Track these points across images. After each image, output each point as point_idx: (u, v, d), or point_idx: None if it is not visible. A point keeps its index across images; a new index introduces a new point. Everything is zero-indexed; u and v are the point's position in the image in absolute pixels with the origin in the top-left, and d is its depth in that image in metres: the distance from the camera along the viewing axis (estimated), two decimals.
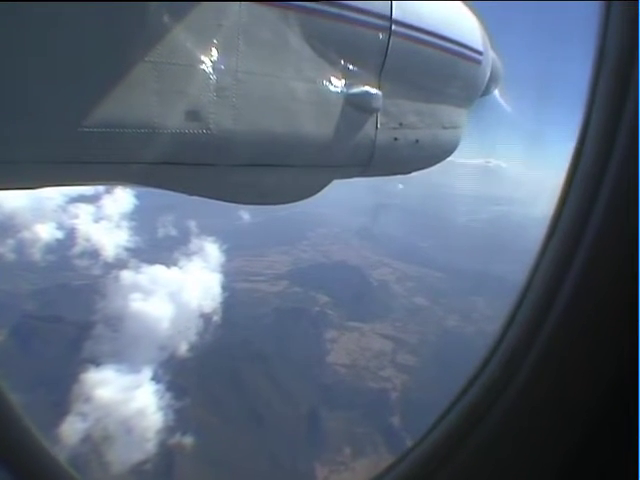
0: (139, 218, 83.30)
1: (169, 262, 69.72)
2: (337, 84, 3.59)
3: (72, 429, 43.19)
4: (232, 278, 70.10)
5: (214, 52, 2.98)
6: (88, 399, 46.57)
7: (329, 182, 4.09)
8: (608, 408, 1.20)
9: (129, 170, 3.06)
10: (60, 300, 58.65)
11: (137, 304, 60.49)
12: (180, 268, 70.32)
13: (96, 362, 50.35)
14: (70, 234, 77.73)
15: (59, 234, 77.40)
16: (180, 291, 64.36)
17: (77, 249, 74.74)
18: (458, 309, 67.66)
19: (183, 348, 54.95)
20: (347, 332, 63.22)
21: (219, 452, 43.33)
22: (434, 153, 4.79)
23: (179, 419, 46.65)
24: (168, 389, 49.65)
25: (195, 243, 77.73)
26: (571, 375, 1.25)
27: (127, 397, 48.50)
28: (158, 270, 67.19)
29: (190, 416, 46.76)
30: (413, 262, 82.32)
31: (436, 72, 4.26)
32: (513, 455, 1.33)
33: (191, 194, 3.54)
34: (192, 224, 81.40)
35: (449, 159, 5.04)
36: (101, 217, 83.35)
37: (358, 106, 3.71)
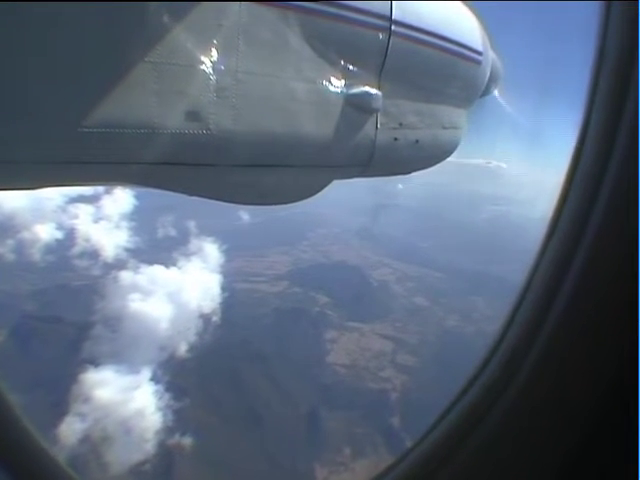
0: (139, 218, 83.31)
1: (168, 262, 69.76)
2: (337, 84, 3.59)
3: (71, 429, 43.17)
4: (232, 278, 70.07)
5: (214, 52, 2.98)
6: (87, 399, 46.54)
7: (329, 182, 4.09)
8: (608, 408, 1.20)
9: (129, 170, 3.06)
10: (60, 300, 58.63)
11: (136, 304, 60.51)
12: (179, 268, 70.38)
13: (95, 363, 50.31)
14: (70, 234, 77.74)
15: (59, 234, 77.47)
16: (179, 291, 64.38)
17: (77, 249, 74.79)
18: (458, 309, 67.66)
19: (182, 349, 54.96)
20: (347, 332, 63.19)
21: (218, 452, 43.29)
22: (434, 153, 4.79)
23: (178, 419, 46.62)
24: (167, 389, 49.62)
25: (194, 243, 77.80)
26: (571, 375, 1.25)
27: (126, 398, 48.45)
28: (157, 270, 67.24)
29: (189, 417, 46.74)
30: (413, 262, 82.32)
31: (436, 72, 4.26)
32: (513, 455, 1.33)
33: (191, 194, 3.53)
34: (191, 224, 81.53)
35: (449, 159, 5.04)
36: (101, 217, 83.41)
37: (358, 106, 3.71)
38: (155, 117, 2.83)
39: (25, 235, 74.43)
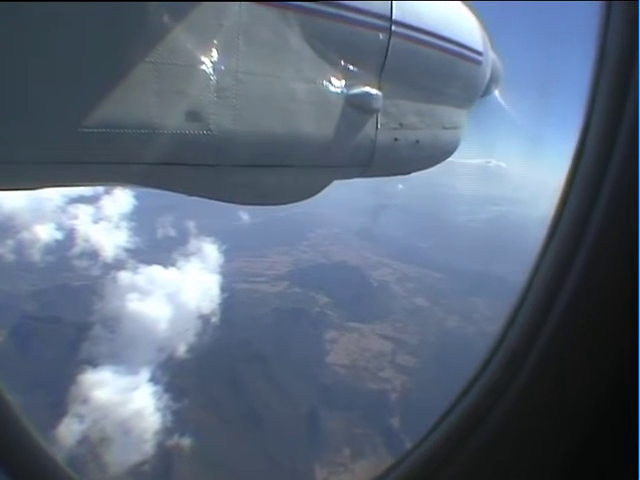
0: (138, 219, 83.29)
1: (168, 263, 69.74)
2: (337, 84, 3.59)
3: (70, 430, 43.14)
4: (232, 279, 70.07)
5: (214, 52, 2.98)
6: (86, 400, 46.51)
7: (329, 182, 4.09)
8: (608, 409, 1.20)
9: (129, 170, 3.06)
10: (59, 301, 58.62)
11: (135, 305, 60.47)
12: (178, 269, 70.33)
13: (94, 363, 50.27)
14: (69, 235, 77.70)
15: (58, 235, 77.41)
16: (178, 292, 64.34)
17: (76, 250, 74.75)
18: (458, 310, 67.65)
19: (182, 349, 54.93)
20: (347, 333, 63.19)
21: (218, 453, 43.28)
22: (434, 153, 4.80)
23: (177, 420, 46.59)
24: (166, 390, 49.58)
25: (193, 244, 77.77)
26: (571, 376, 1.25)
27: (125, 398, 48.42)
28: (156, 271, 67.21)
29: (189, 417, 46.72)
30: (413, 263, 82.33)
31: (436, 72, 4.26)
32: (513, 456, 1.33)
33: (191, 194, 3.53)
34: (191, 225, 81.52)
35: (449, 159, 5.04)
36: (100, 218, 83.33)
37: (358, 106, 3.71)
38: (155, 117, 2.83)
39: (25, 235, 74.49)
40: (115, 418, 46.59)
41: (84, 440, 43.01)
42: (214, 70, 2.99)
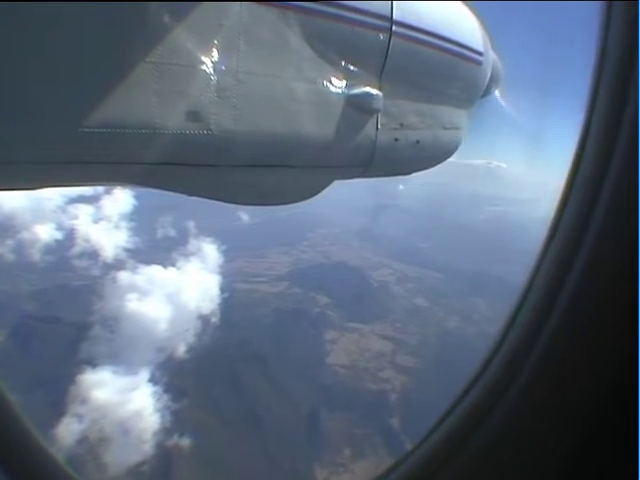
0: (138, 219, 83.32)
1: (167, 263, 69.73)
2: (338, 85, 3.59)
3: (69, 430, 43.11)
4: (232, 279, 70.06)
5: (215, 52, 2.98)
6: (85, 400, 46.47)
7: (330, 183, 4.09)
8: (609, 410, 1.20)
9: (130, 170, 3.06)
10: (59, 301, 58.63)
11: (135, 305, 60.45)
12: (178, 269, 70.31)
13: (93, 363, 50.22)
14: (69, 235, 77.70)
15: (58, 235, 77.42)
16: (178, 292, 64.30)
17: (76, 250, 74.75)
18: (458, 310, 67.63)
19: (181, 349, 54.89)
20: (347, 333, 63.18)
21: (217, 454, 43.26)
22: (435, 154, 4.79)
23: (177, 420, 46.57)
24: (166, 391, 49.54)
25: (193, 244, 77.75)
26: (572, 377, 1.25)
27: (124, 399, 48.38)
28: (156, 271, 67.19)
29: (188, 418, 46.69)
30: (413, 263, 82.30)
31: (437, 73, 4.26)
32: (514, 457, 1.33)
33: (191, 194, 3.53)
34: (191, 225, 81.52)
35: (450, 160, 5.04)
36: (100, 218, 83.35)
37: (359, 107, 3.71)
38: (156, 117, 2.83)
39: (25, 235, 74.51)
40: (114, 418, 46.55)
41: (83, 440, 42.96)
42: (215, 70, 2.99)
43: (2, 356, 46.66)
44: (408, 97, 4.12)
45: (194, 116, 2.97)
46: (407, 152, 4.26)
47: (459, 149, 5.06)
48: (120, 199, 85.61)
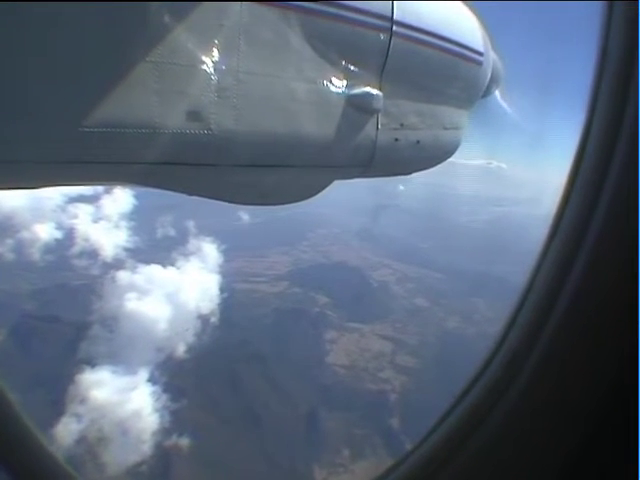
0: (138, 218, 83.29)
1: (167, 262, 69.70)
2: (338, 85, 3.59)
3: (67, 430, 43.07)
4: (231, 279, 70.04)
5: (215, 52, 2.98)
6: (84, 400, 46.44)
7: (330, 182, 4.09)
8: (609, 410, 1.20)
9: (130, 170, 3.06)
10: (59, 300, 58.63)
11: (134, 305, 60.39)
12: (178, 269, 70.26)
13: (92, 363, 50.17)
14: (69, 234, 77.61)
15: (58, 234, 77.31)
16: (178, 292, 64.24)
17: (76, 249, 74.72)
18: (459, 310, 67.62)
19: (181, 349, 54.86)
20: (347, 333, 63.18)
21: (216, 454, 43.24)
22: (435, 154, 4.80)
23: (176, 420, 46.54)
24: (165, 391, 49.50)
25: (193, 243, 77.72)
26: (572, 377, 1.25)
27: (123, 399, 48.34)
28: (155, 271, 67.15)
29: (187, 417, 46.67)
30: (413, 263, 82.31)
31: (437, 73, 4.26)
32: (514, 457, 1.33)
33: (191, 194, 3.53)
34: (191, 224, 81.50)
35: (450, 160, 5.04)
36: (100, 217, 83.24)
37: (359, 107, 3.71)
38: (156, 117, 2.83)
39: (25, 234, 74.44)
40: (113, 418, 46.52)
41: (82, 440, 42.93)
42: (215, 70, 2.99)
43: (1, 355, 46.66)
44: (408, 97, 4.12)
45: (194, 116, 2.97)
46: (407, 152, 4.26)
47: (459, 149, 5.06)
48: (120, 198, 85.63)
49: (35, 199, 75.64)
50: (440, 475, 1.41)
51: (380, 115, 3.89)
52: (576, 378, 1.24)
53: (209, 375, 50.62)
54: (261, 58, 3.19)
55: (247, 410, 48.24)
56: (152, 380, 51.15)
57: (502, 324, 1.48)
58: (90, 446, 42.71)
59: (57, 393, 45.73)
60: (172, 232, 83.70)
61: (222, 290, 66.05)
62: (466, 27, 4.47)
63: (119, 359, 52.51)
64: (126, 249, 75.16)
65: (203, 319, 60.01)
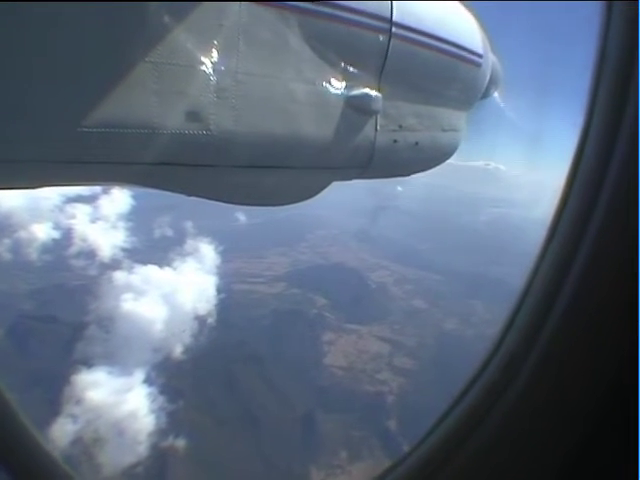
0: (136, 219, 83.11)
1: (164, 263, 69.55)
2: (337, 86, 3.59)
3: (63, 430, 42.87)
4: (229, 279, 69.91)
5: (214, 53, 2.97)
6: (80, 401, 46.24)
7: (328, 184, 4.09)
8: (608, 411, 1.20)
9: (129, 170, 3.06)
10: (56, 300, 58.44)
11: (131, 305, 60.20)
12: (175, 269, 70.08)
13: (88, 364, 49.95)
14: (67, 234, 77.35)
15: (56, 234, 77.06)
16: (175, 292, 64.07)
17: (74, 249, 74.46)
18: (457, 312, 67.60)
19: (178, 350, 54.66)
20: (345, 334, 63.10)
21: (213, 455, 43.10)
22: (433, 155, 4.80)
23: (172, 422, 46.36)
24: (161, 392, 49.32)
25: (191, 244, 77.54)
26: (570, 378, 1.25)
27: (119, 400, 48.11)
28: (152, 271, 66.95)
29: (184, 419, 46.51)
30: (412, 265, 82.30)
31: (436, 74, 4.27)
32: (512, 458, 1.33)
33: (190, 195, 3.53)
34: (189, 225, 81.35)
35: (448, 162, 5.05)
36: (98, 217, 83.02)
37: (358, 108, 3.72)
38: (155, 117, 2.82)
39: (22, 234, 74.18)
40: (109, 419, 46.29)
41: (77, 441, 42.71)
42: (214, 70, 2.99)
43: None
44: (407, 99, 4.13)
45: (193, 116, 2.97)
46: (406, 154, 4.26)
47: (458, 151, 5.07)
48: (118, 199, 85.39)
49: (33, 199, 75.47)
50: (438, 476, 1.41)
51: (379, 116, 3.89)
52: (575, 379, 1.24)
53: (206, 376, 50.49)
54: (260, 59, 3.19)
55: (244, 411, 48.11)
56: (148, 381, 50.95)
57: (500, 325, 1.48)
58: (86, 447, 42.50)
59: (53, 393, 45.54)
60: (170, 233, 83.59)
61: (220, 291, 65.93)
62: (465, 29, 4.48)
63: (115, 360, 52.30)
64: (123, 249, 75.06)
65: (200, 320, 59.87)
